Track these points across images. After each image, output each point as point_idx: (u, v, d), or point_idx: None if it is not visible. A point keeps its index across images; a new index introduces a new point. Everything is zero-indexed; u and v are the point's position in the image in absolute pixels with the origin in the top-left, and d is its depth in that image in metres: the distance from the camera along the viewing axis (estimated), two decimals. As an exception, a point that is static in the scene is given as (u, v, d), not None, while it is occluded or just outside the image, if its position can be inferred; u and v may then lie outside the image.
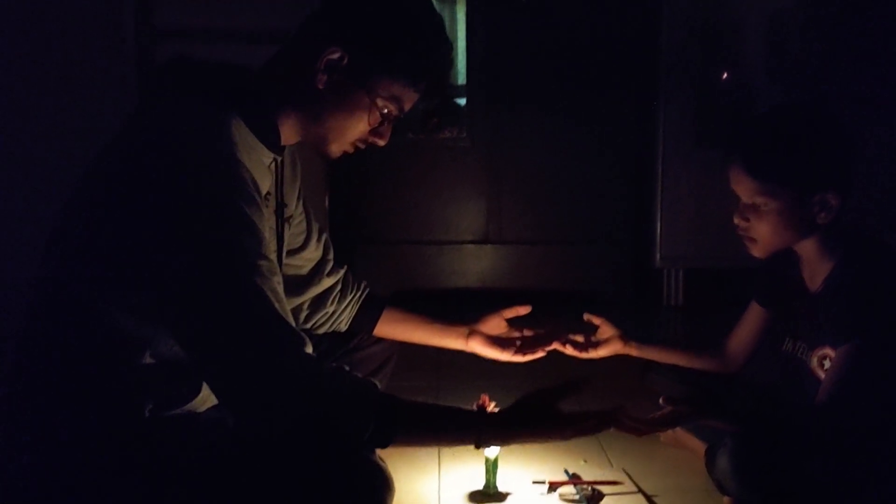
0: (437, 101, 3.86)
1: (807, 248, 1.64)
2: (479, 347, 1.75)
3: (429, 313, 1.79)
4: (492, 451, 1.66)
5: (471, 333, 1.76)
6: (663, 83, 3.45)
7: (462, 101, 3.74)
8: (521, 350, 1.73)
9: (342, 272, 1.69)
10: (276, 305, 1.14)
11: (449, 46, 1.34)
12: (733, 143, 1.63)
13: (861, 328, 1.52)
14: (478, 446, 1.27)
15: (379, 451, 1.49)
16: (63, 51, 3.24)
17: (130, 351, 1.20)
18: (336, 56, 1.26)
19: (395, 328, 1.74)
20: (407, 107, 1.34)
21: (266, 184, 1.30)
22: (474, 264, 3.69)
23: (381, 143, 1.35)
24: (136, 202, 1.13)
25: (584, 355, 1.85)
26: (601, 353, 1.86)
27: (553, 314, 3.45)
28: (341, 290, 1.67)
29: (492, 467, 1.67)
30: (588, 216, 3.69)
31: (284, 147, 1.37)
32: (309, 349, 1.17)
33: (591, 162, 3.65)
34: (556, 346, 1.78)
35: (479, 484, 1.69)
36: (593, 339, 1.88)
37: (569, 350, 1.83)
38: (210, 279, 1.11)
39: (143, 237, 1.13)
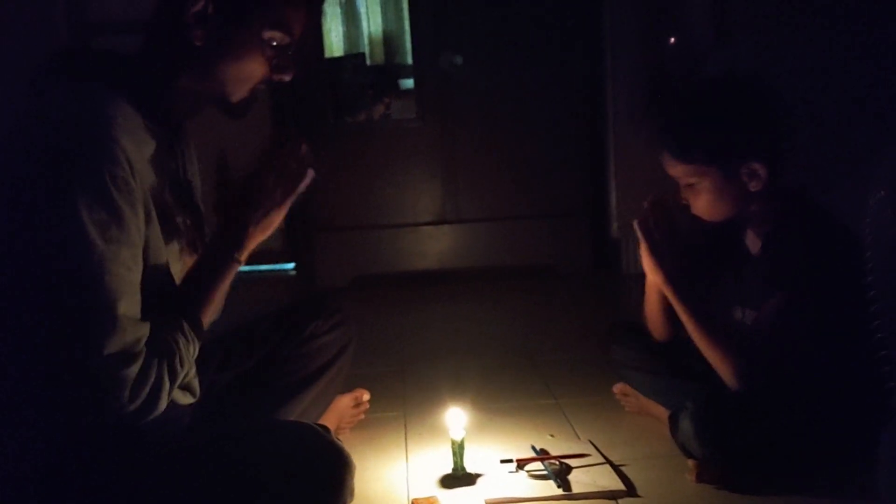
0: (377, 79, 3.83)
1: (747, 215, 1.67)
2: None
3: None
4: (458, 434, 1.65)
5: None
6: (610, 54, 3.43)
7: (410, 82, 3.70)
8: None
9: None
10: (109, 289, 1.11)
11: None
12: (657, 130, 1.66)
13: (789, 282, 1.56)
14: (241, 262, 1.32)
15: (343, 439, 1.48)
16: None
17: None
18: (200, 6, 1.22)
19: None
20: (295, 28, 1.29)
21: (161, 165, 1.27)
22: (433, 245, 3.67)
23: (287, 77, 1.31)
24: (5, 190, 1.13)
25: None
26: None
27: (514, 289, 3.48)
28: None
29: (458, 449, 1.66)
30: (544, 191, 3.68)
31: (180, 124, 1.35)
32: (130, 337, 1.13)
33: (545, 137, 3.63)
34: None
35: (448, 467, 1.68)
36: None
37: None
38: (53, 259, 1.10)
39: (11, 220, 1.12)
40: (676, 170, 1.64)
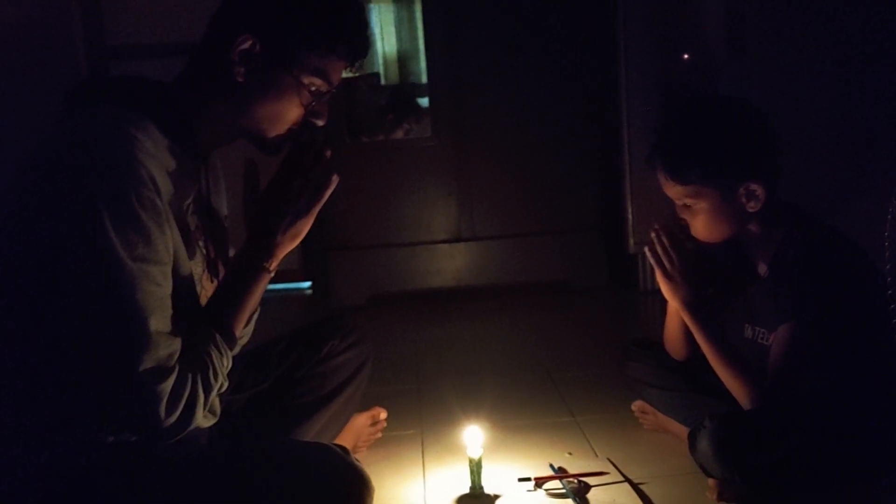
0: (392, 98, 3.85)
1: (749, 235, 1.66)
2: None
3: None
4: (475, 452, 1.64)
5: None
6: (624, 68, 3.43)
7: (425, 101, 3.72)
8: None
9: None
10: (140, 306, 1.12)
11: (357, 1, 1.32)
12: (653, 150, 1.64)
13: (797, 310, 1.54)
14: (271, 272, 1.32)
15: (360, 458, 1.48)
16: (14, 72, 3.19)
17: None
18: (248, 44, 1.24)
19: None
20: (335, 77, 1.31)
21: (185, 189, 1.28)
22: (448, 263, 3.67)
23: (321, 122, 1.33)
24: (31, 210, 1.13)
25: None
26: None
27: (530, 306, 3.47)
28: None
29: (476, 468, 1.65)
30: (559, 207, 3.67)
31: (208, 152, 1.36)
32: (163, 352, 1.14)
33: (560, 153, 3.63)
34: None
35: (465, 486, 1.67)
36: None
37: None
38: (84, 280, 1.10)
39: (39, 240, 1.12)
40: (673, 190, 1.63)
